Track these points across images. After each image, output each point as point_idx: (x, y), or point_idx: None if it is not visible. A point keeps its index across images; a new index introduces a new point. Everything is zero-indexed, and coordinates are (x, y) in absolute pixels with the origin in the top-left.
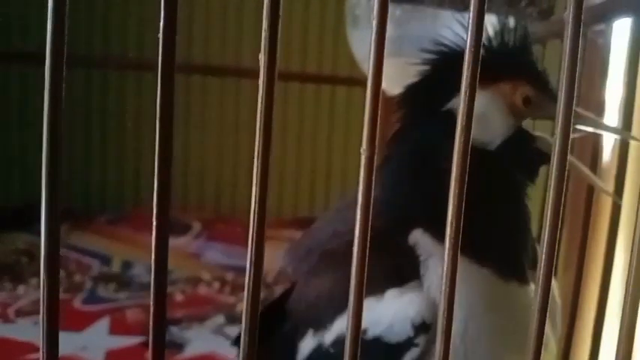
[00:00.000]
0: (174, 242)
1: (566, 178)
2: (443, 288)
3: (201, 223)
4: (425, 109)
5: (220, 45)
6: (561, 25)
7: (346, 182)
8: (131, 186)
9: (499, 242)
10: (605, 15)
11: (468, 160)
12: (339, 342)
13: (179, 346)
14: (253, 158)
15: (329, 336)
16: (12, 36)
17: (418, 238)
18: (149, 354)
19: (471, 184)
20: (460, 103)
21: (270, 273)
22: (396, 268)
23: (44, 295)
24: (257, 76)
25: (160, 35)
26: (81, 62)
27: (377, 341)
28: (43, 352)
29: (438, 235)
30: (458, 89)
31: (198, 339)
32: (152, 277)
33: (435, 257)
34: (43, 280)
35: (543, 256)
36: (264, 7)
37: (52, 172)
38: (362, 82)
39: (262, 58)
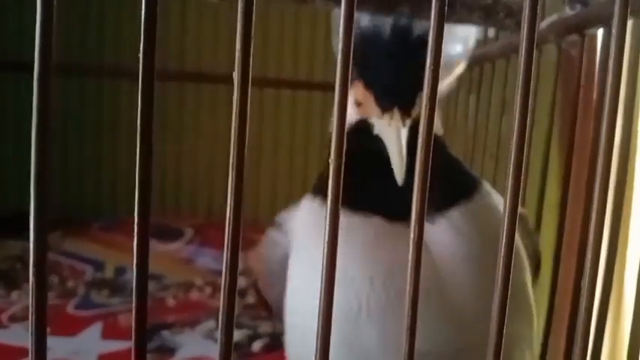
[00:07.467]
0: (166, 248)
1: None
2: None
3: (194, 229)
4: None
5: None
6: (539, 36)
7: None
8: (125, 193)
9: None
10: (578, 26)
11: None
12: None
13: (171, 351)
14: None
15: None
16: (8, 45)
17: None
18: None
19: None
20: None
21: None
22: None
23: (33, 298)
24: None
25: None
26: (75, 71)
27: None
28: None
29: None
30: None
31: (190, 343)
32: (134, 280)
33: None
34: (32, 282)
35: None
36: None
37: (40, 174)
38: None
39: (236, 75)
